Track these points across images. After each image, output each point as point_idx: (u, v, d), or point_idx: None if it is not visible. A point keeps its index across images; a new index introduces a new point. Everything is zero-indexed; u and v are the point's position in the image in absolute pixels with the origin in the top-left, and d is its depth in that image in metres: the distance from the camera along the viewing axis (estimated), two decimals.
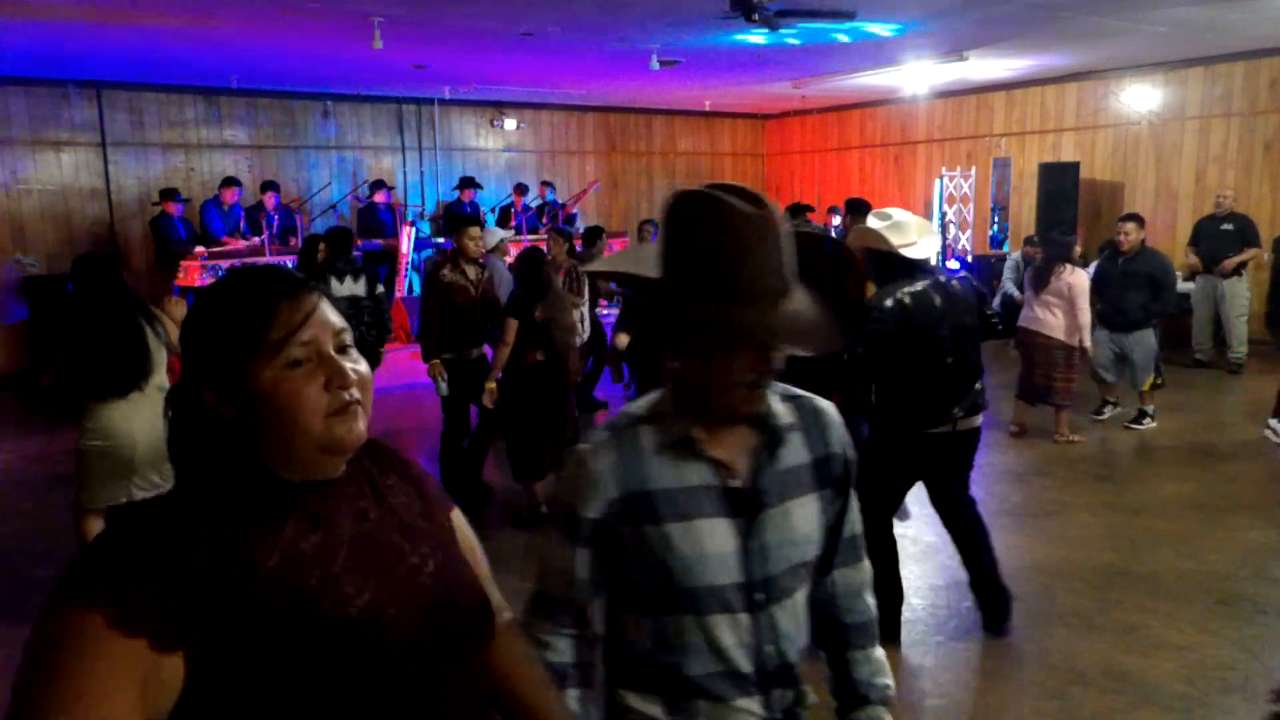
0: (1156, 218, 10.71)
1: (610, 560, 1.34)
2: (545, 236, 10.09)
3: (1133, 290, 6.67)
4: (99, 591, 0.90)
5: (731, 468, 1.33)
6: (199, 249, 9.36)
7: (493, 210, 11.93)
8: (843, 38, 8.05)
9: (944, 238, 11.94)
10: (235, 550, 0.98)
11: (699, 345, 1.27)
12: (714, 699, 1.34)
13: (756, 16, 6.71)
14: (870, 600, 1.53)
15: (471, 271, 5.49)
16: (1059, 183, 10.58)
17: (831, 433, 1.44)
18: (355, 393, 1.06)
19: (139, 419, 3.82)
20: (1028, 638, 3.81)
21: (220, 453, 1.05)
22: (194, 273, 8.89)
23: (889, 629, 3.59)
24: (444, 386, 5.37)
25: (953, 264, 11.54)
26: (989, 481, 5.72)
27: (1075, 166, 10.75)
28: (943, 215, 12.28)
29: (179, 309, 4.16)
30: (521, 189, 12.06)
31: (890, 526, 3.78)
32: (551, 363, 5.09)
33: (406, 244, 11.03)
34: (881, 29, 7.85)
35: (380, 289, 6.29)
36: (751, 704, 1.36)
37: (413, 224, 11.24)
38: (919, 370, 3.53)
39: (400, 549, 1.12)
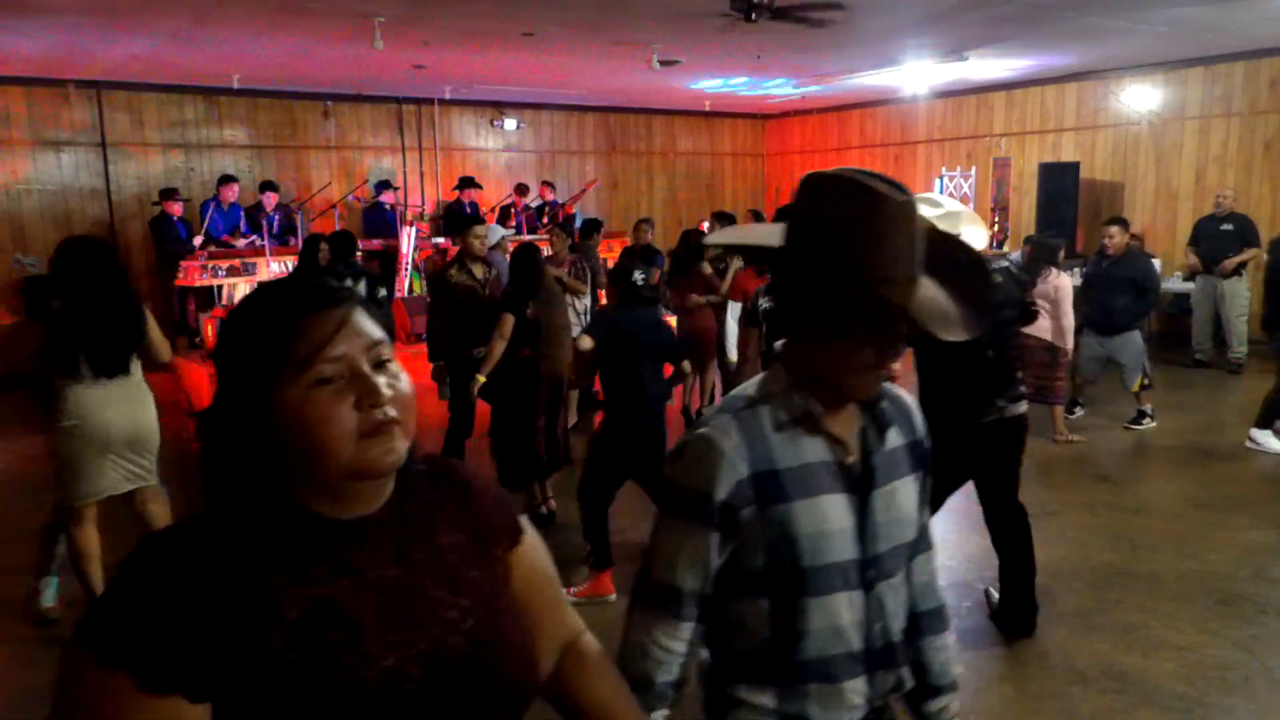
0: (1156, 218, 10.72)
1: (733, 546, 1.33)
2: (545, 236, 10.12)
3: (1118, 293, 6.71)
4: (126, 651, 0.88)
5: (846, 445, 1.36)
6: (198, 249, 9.36)
7: (493, 210, 11.93)
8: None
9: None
10: (258, 597, 0.92)
11: (833, 324, 1.27)
12: (826, 681, 1.35)
13: (755, 16, 6.72)
14: (939, 587, 1.57)
15: (479, 270, 5.52)
16: (1059, 183, 10.59)
17: (914, 418, 1.49)
18: (391, 411, 0.98)
19: (114, 406, 3.80)
20: (1028, 638, 3.81)
21: (250, 481, 0.99)
22: (194, 273, 8.89)
23: None
24: (445, 390, 5.38)
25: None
26: None
27: (1075, 166, 10.75)
28: None
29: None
30: (522, 189, 12.06)
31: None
32: (538, 360, 5.08)
33: (407, 244, 11.04)
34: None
35: (382, 292, 6.31)
36: (858, 684, 1.37)
37: (412, 224, 11.24)
38: (960, 362, 3.53)
39: (437, 601, 1.02)
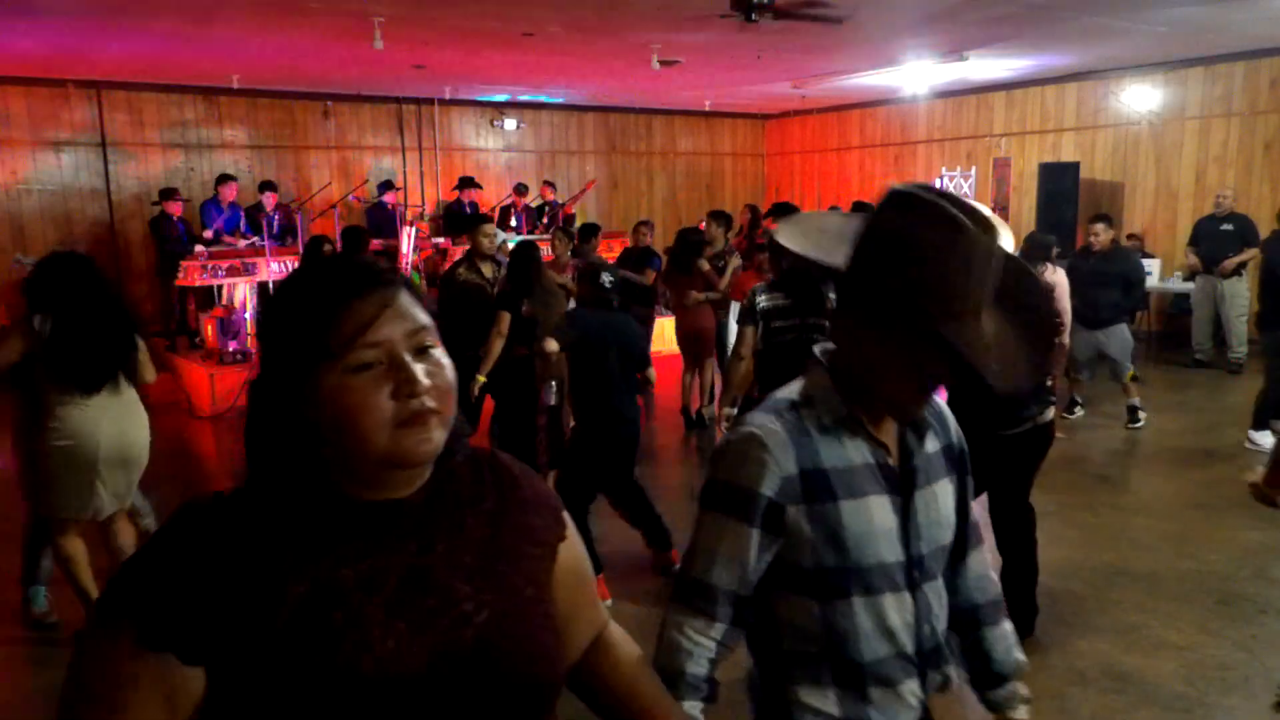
0: (1156, 218, 10.72)
1: (779, 545, 1.33)
2: (545, 236, 10.12)
3: (1105, 288, 6.79)
4: (129, 610, 0.91)
5: (888, 447, 1.37)
6: (199, 248, 9.35)
7: (493, 210, 11.93)
8: None
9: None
10: (269, 571, 0.92)
11: (887, 348, 1.27)
12: (884, 683, 1.35)
13: (756, 16, 6.73)
14: (995, 578, 1.59)
15: (487, 269, 5.55)
16: (1059, 183, 10.59)
17: (949, 421, 1.50)
18: (429, 401, 0.96)
19: (105, 420, 3.75)
20: (1028, 638, 3.81)
21: (289, 458, 0.98)
22: (194, 273, 8.88)
23: None
24: None
25: None
26: None
27: (1075, 166, 10.75)
28: None
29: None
30: (521, 189, 12.06)
31: None
32: (534, 358, 5.07)
33: (406, 244, 11.03)
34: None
35: None
36: (913, 685, 1.38)
37: (412, 224, 11.24)
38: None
39: (454, 593, 1.00)
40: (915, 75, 10.65)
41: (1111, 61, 10.37)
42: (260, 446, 1.00)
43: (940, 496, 1.42)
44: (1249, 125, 9.94)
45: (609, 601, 4.16)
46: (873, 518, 1.32)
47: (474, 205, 11.48)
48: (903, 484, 1.37)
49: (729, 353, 7.28)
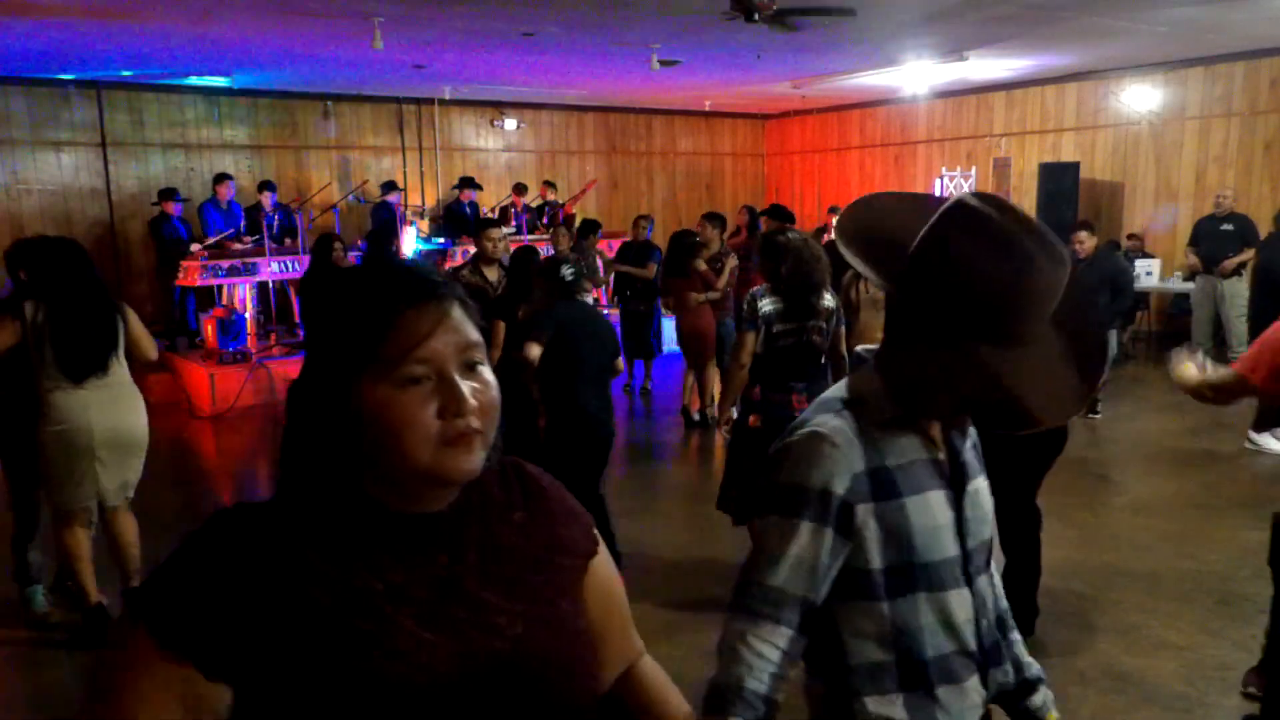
0: (1156, 218, 10.72)
1: (847, 550, 1.30)
2: (544, 236, 10.13)
3: (1091, 293, 6.80)
4: (155, 615, 0.90)
5: (938, 443, 1.36)
6: (195, 247, 9.35)
7: (493, 210, 11.93)
8: None
9: None
10: (298, 581, 0.91)
11: (938, 364, 1.25)
12: (950, 681, 1.34)
13: (757, 16, 6.73)
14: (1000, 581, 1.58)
15: (491, 273, 5.55)
16: (1059, 183, 10.59)
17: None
18: (474, 421, 0.94)
19: (96, 407, 3.76)
20: (1028, 638, 3.81)
21: (325, 466, 0.96)
22: (194, 273, 8.88)
23: None
24: None
25: None
26: None
27: (1075, 166, 10.76)
28: None
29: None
30: (521, 189, 12.06)
31: None
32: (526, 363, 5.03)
33: (407, 244, 11.03)
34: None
35: None
36: (976, 683, 1.37)
37: (412, 224, 11.24)
38: None
39: (487, 604, 0.98)
40: (915, 75, 10.66)
41: (1111, 61, 10.37)
42: (297, 453, 0.98)
43: (982, 492, 1.42)
44: (1249, 125, 9.94)
45: None
46: (935, 513, 1.32)
47: (474, 205, 11.49)
48: (954, 478, 1.36)
49: (728, 355, 7.36)
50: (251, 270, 9.14)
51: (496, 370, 1.04)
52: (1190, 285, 9.20)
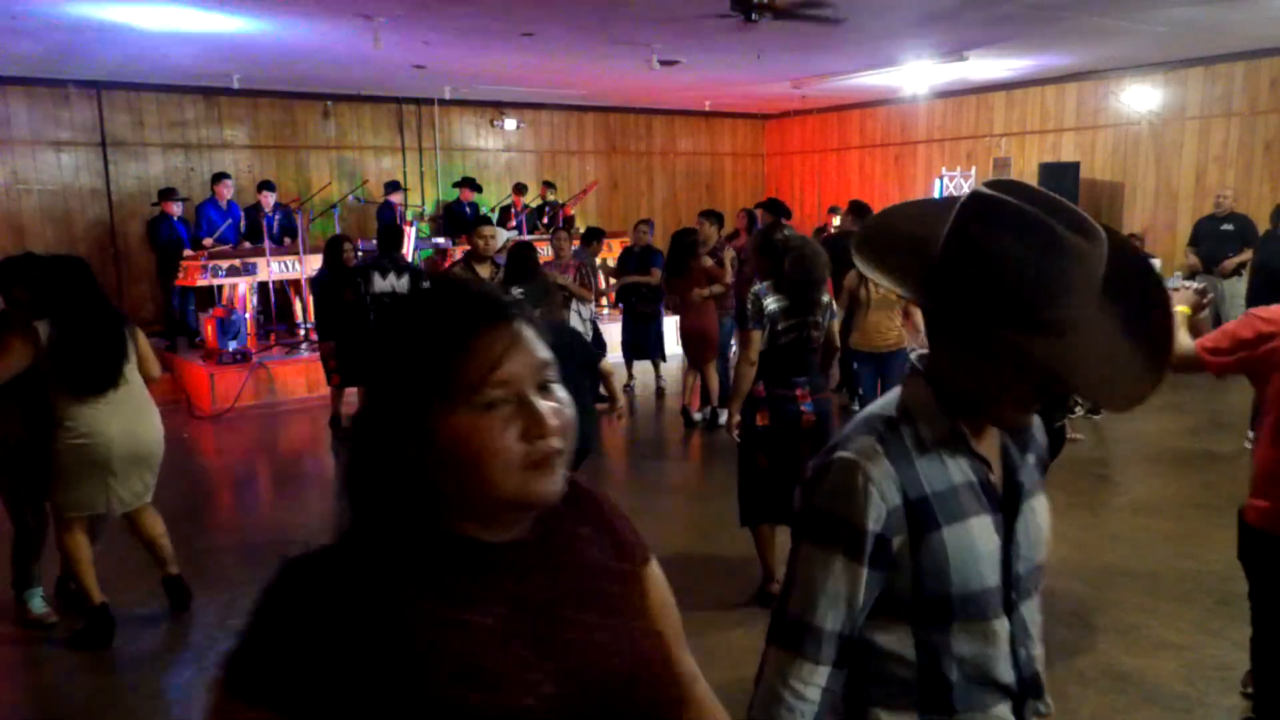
0: (1156, 218, 10.72)
1: (884, 580, 1.23)
2: (544, 237, 10.12)
3: None
4: (264, 689, 0.86)
5: (990, 464, 1.28)
6: (188, 251, 9.35)
7: (493, 210, 11.93)
8: None
9: None
10: (408, 628, 0.87)
11: (986, 366, 1.18)
12: (975, 709, 1.28)
13: (756, 16, 6.73)
14: None
15: (484, 270, 5.56)
16: (1059, 183, 10.57)
17: (1039, 431, 1.41)
18: (556, 442, 0.92)
19: (116, 419, 3.80)
20: None
21: (399, 501, 0.92)
22: (194, 273, 8.88)
23: None
24: None
25: None
26: None
27: (1075, 166, 10.76)
28: None
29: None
30: (521, 189, 12.06)
31: None
32: None
33: (407, 244, 11.03)
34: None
35: (425, 285, 6.41)
36: (1006, 711, 1.31)
37: (412, 223, 11.24)
38: None
39: (588, 624, 0.96)
40: (915, 75, 10.65)
41: (1111, 61, 10.37)
42: (366, 490, 0.93)
43: (1039, 510, 1.34)
44: (1249, 125, 9.94)
45: None
46: (975, 542, 1.24)
47: (474, 205, 11.49)
48: (1006, 502, 1.29)
49: (732, 355, 7.37)
50: (251, 270, 9.14)
51: None
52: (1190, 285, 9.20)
